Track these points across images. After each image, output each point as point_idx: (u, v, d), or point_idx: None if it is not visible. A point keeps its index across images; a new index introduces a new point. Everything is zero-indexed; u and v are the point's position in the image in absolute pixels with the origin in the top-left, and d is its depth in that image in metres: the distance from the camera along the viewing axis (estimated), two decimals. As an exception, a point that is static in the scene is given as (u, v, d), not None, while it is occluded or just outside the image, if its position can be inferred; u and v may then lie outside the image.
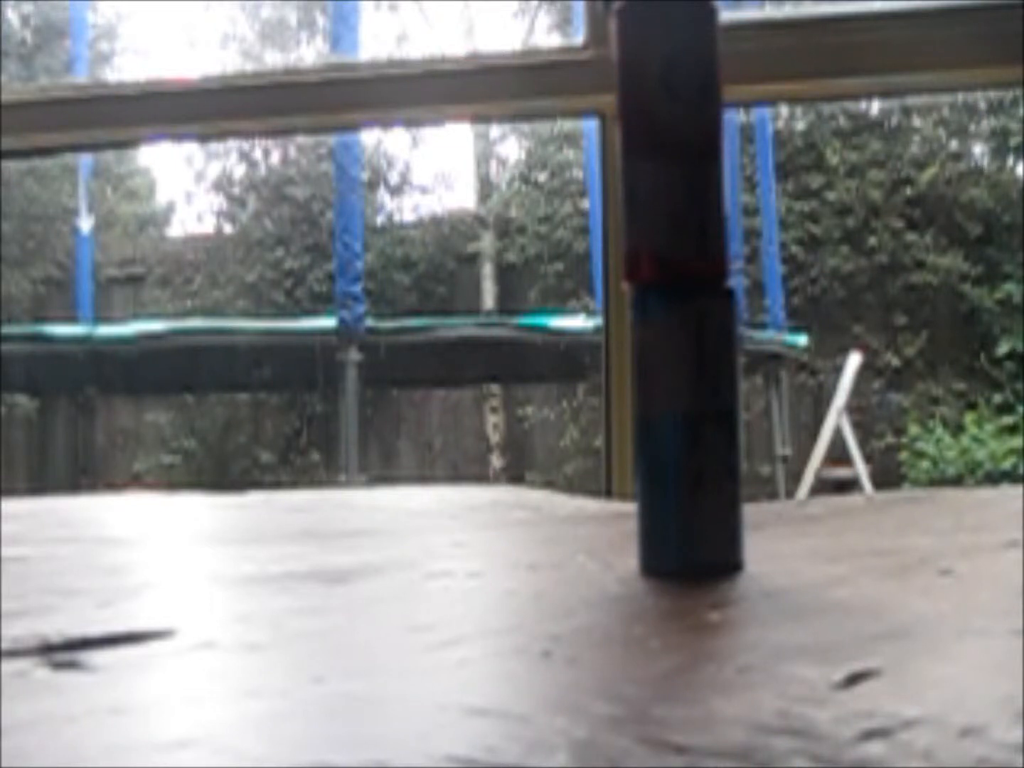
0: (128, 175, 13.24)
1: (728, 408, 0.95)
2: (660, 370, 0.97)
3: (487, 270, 11.95)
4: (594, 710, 0.58)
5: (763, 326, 9.93)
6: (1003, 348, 10.69)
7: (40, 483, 10.67)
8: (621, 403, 2.25)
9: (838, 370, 9.02)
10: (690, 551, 0.94)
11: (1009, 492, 1.60)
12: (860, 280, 11.15)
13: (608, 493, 2.37)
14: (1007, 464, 9.80)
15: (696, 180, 0.99)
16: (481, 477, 10.77)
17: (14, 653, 0.71)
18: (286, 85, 2.62)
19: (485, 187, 12.56)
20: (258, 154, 12.60)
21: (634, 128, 0.99)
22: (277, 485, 10.69)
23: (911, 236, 11.13)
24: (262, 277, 12.12)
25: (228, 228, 12.86)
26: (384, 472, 10.79)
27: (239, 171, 12.78)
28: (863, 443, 9.07)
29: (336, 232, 8.93)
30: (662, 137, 0.98)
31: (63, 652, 0.72)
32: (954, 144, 11.68)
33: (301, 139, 11.59)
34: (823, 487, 8.12)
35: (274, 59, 13.12)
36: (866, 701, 0.58)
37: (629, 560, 1.03)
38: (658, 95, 0.98)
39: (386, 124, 3.49)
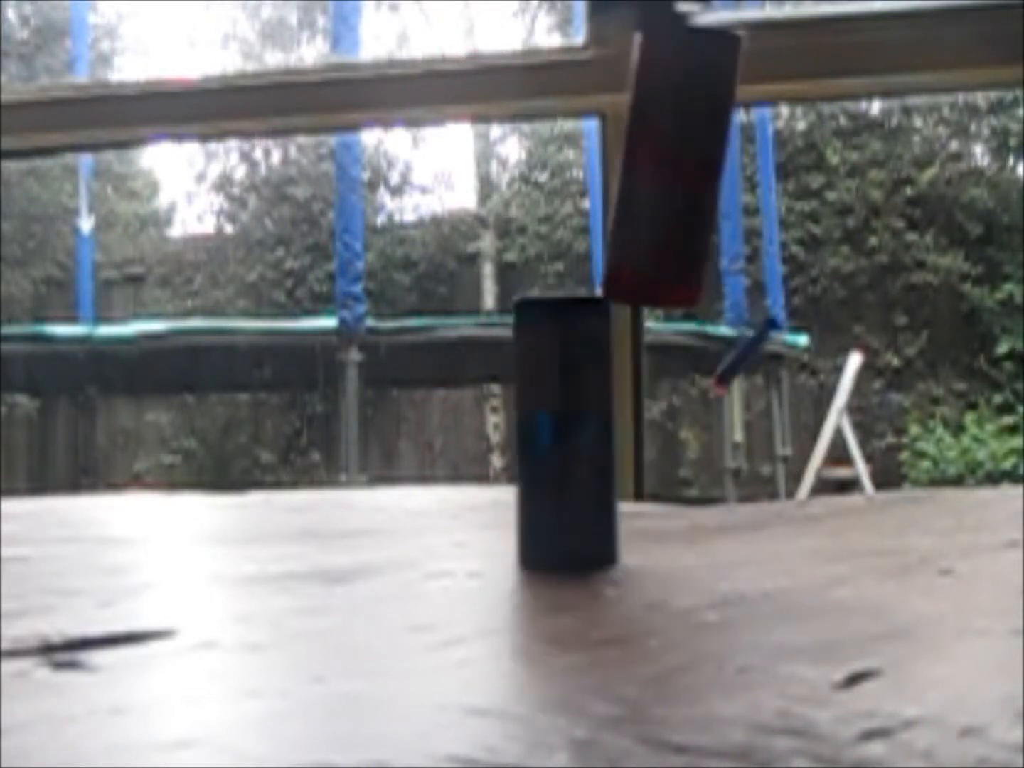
0: (129, 175, 13.23)
1: (595, 410, 0.99)
2: (533, 374, 1.02)
3: (487, 270, 11.95)
4: (594, 710, 0.58)
5: (763, 326, 9.92)
6: (1003, 348, 10.69)
7: (40, 483, 10.67)
8: (621, 403, 2.25)
9: (838, 370, 9.01)
10: (559, 545, 0.98)
11: (1009, 492, 1.60)
12: (860, 280, 11.15)
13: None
14: (1007, 464, 9.79)
15: (693, 205, 1.00)
16: (481, 477, 10.77)
17: (15, 653, 0.71)
18: (287, 85, 2.62)
19: (485, 187, 12.56)
20: (259, 154, 12.60)
21: (639, 146, 0.99)
22: (277, 485, 10.69)
23: (911, 236, 11.12)
24: (262, 277, 12.12)
25: (229, 228, 12.86)
26: (384, 472, 10.78)
27: (240, 171, 12.78)
28: (864, 443, 9.07)
29: (336, 232, 8.93)
30: (666, 158, 0.99)
31: (63, 652, 0.72)
32: (954, 144, 11.68)
33: (302, 139, 11.59)
34: (824, 487, 8.12)
35: (275, 59, 13.12)
36: (866, 701, 0.58)
37: (630, 559, 1.03)
38: (668, 120, 0.99)
39: (387, 124, 3.49)
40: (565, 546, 0.99)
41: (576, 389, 1.00)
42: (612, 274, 1.01)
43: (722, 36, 1.00)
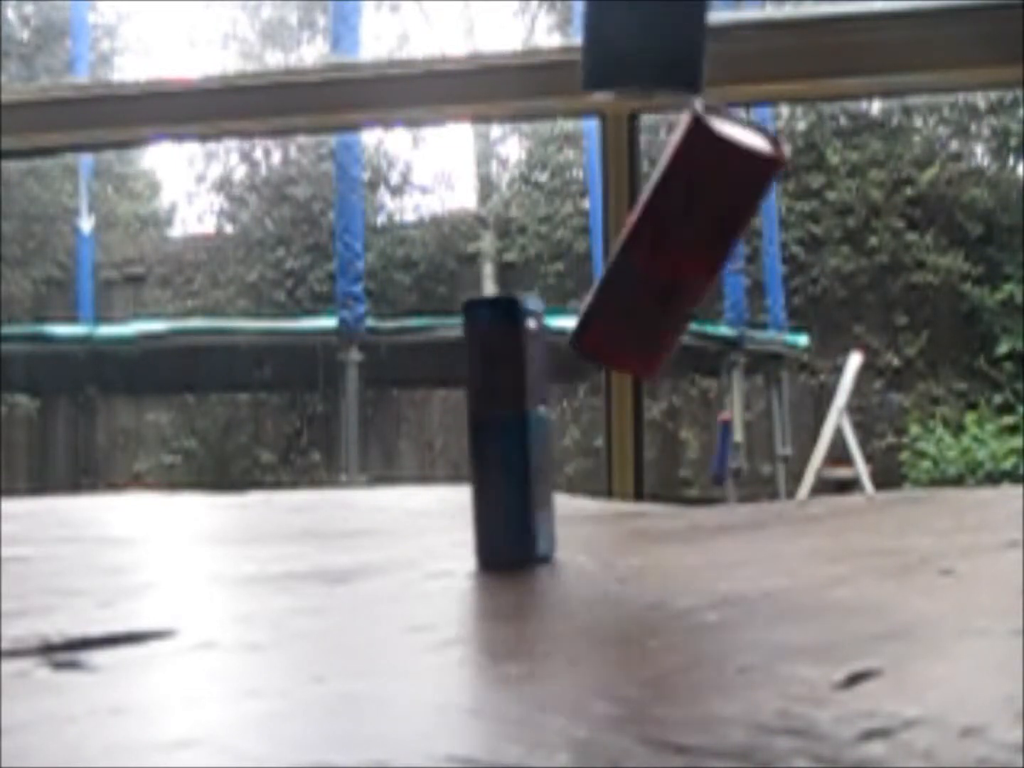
0: (129, 175, 13.23)
1: (514, 414, 1.01)
2: (474, 377, 1.04)
3: (488, 270, 11.94)
4: (594, 710, 0.58)
5: (764, 326, 9.93)
6: (1004, 348, 10.68)
7: (41, 483, 10.66)
8: (622, 403, 2.25)
9: (839, 370, 9.01)
10: (480, 545, 1.01)
11: (1009, 492, 1.60)
12: (861, 280, 11.14)
13: (609, 493, 2.37)
14: (1008, 464, 9.79)
15: (676, 299, 1.00)
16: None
17: (15, 653, 0.71)
18: (287, 85, 2.62)
19: (485, 187, 12.55)
20: (259, 154, 12.60)
21: (645, 227, 1.00)
22: (277, 485, 10.69)
23: (912, 236, 11.12)
24: (263, 277, 12.11)
25: (229, 228, 12.86)
26: (384, 472, 10.78)
27: (240, 171, 12.78)
28: (864, 443, 9.06)
29: (337, 232, 8.93)
30: (666, 250, 1.00)
31: (64, 652, 0.72)
32: (955, 144, 11.68)
33: (302, 139, 11.58)
34: (824, 487, 8.11)
35: (275, 59, 13.12)
36: (867, 701, 0.58)
37: (630, 559, 1.03)
38: (680, 219, 0.99)
39: (387, 124, 3.49)
40: (485, 546, 1.01)
41: (490, 391, 1.02)
42: (582, 326, 1.02)
43: (765, 160, 0.99)
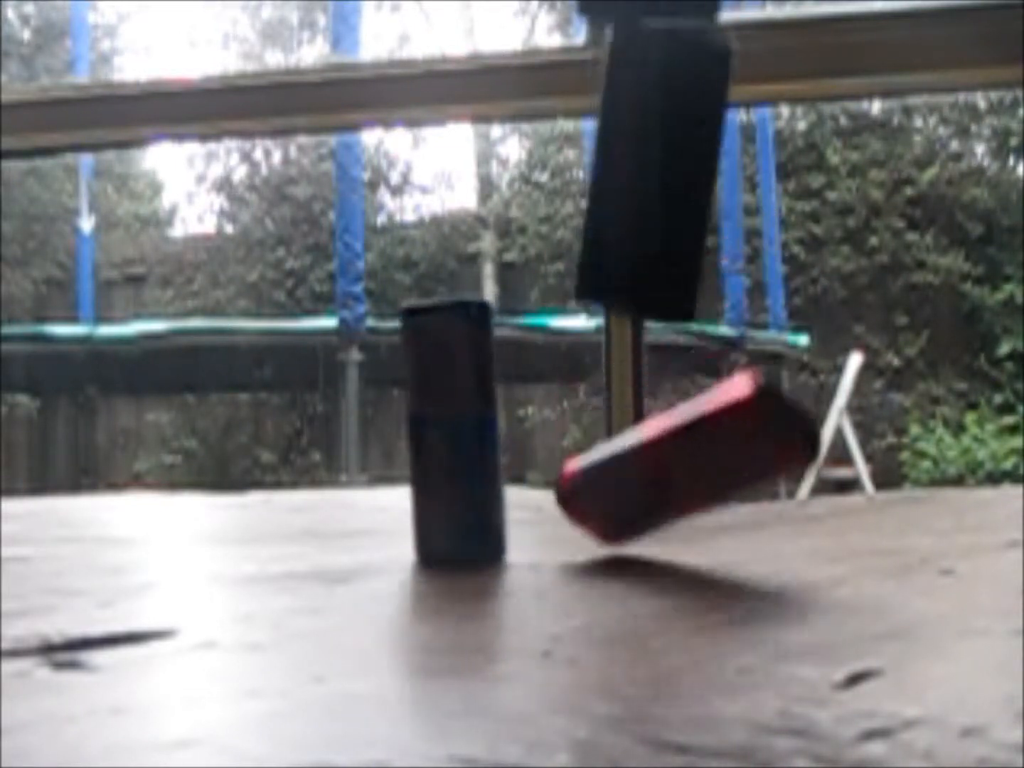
0: (129, 175, 13.23)
1: (445, 415, 1.04)
2: (410, 379, 1.06)
3: (488, 270, 11.94)
4: (594, 710, 0.58)
5: (764, 326, 9.94)
6: (1004, 348, 10.69)
7: (41, 483, 10.67)
8: (622, 403, 2.25)
9: (839, 370, 9.01)
10: (419, 544, 1.03)
11: (1010, 492, 1.60)
12: (861, 280, 11.15)
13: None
14: (1008, 464, 9.79)
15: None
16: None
17: (15, 653, 0.71)
18: (287, 85, 2.62)
19: (486, 187, 12.56)
20: (259, 154, 12.60)
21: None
22: (278, 485, 10.69)
23: (912, 236, 11.12)
24: (263, 277, 12.11)
25: (229, 228, 12.86)
26: (385, 472, 10.78)
27: (240, 171, 12.78)
28: (864, 443, 9.06)
29: (337, 232, 8.94)
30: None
31: (64, 652, 0.72)
32: (955, 144, 11.68)
33: (302, 139, 11.58)
34: (824, 487, 8.11)
35: (275, 59, 13.12)
36: (867, 701, 0.58)
37: (635, 564, 1.03)
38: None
39: (387, 124, 3.50)
40: (424, 545, 1.03)
41: (425, 395, 1.05)
42: (564, 473, 1.03)
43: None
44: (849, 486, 8.10)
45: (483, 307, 1.06)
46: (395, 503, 1.73)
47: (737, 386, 0.90)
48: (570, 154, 11.88)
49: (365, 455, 9.44)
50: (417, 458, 1.05)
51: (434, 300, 1.10)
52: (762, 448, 0.91)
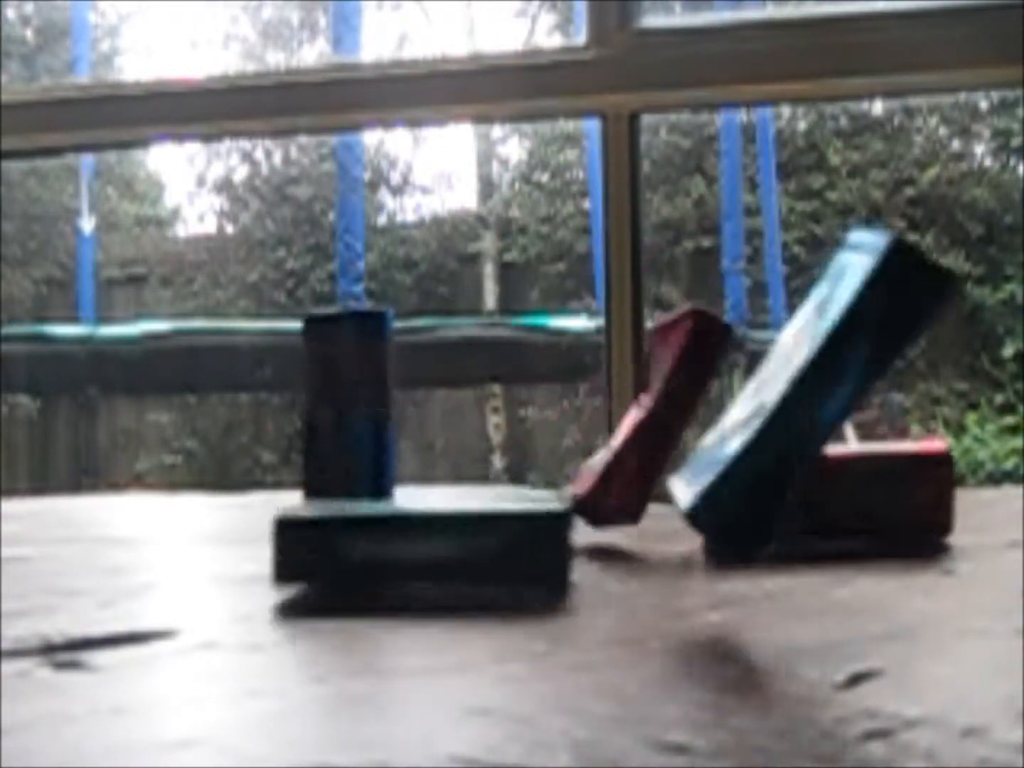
0: (130, 176, 13.23)
1: (339, 419, 1.09)
2: (305, 384, 1.13)
3: (488, 270, 11.93)
4: (595, 710, 0.58)
5: (764, 326, 9.92)
6: (1006, 349, 10.68)
7: (41, 483, 10.66)
8: (623, 404, 2.25)
9: (839, 370, 8.99)
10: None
11: (1011, 492, 1.60)
12: (862, 280, 11.13)
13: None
14: (1009, 464, 9.78)
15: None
16: (482, 477, 10.75)
17: (16, 653, 0.71)
18: (288, 85, 2.61)
19: (486, 187, 12.55)
20: (260, 154, 12.59)
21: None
22: (279, 485, 10.68)
23: (913, 236, 11.12)
24: (264, 277, 12.10)
25: (230, 228, 12.85)
26: (385, 472, 10.76)
27: (241, 171, 12.78)
28: (864, 443, 9.05)
29: (338, 232, 8.94)
30: None
31: (65, 652, 0.72)
32: (956, 144, 11.67)
33: (303, 139, 11.58)
34: (824, 487, 8.10)
35: (276, 59, 13.11)
36: (868, 701, 0.58)
37: (628, 559, 1.03)
38: None
39: (388, 124, 3.49)
40: None
41: (316, 397, 1.10)
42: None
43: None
44: (850, 486, 8.09)
45: (379, 317, 1.13)
46: (396, 503, 1.73)
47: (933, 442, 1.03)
48: (571, 154, 11.87)
49: (366, 455, 9.42)
50: (311, 461, 1.10)
51: (334, 310, 1.17)
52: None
